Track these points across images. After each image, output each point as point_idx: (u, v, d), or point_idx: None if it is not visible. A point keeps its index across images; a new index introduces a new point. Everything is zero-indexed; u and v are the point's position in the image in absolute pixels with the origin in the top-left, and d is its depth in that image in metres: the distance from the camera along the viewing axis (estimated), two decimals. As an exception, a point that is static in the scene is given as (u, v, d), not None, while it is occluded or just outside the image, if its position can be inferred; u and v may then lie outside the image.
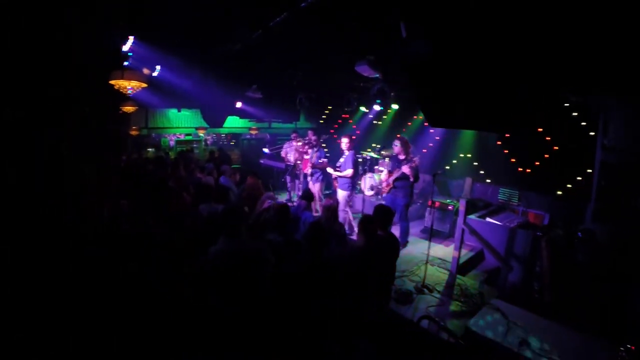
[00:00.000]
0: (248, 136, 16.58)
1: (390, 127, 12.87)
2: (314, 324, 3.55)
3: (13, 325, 3.13)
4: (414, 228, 8.73)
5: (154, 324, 3.28)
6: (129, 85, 7.60)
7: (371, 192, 10.56)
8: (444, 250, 7.97)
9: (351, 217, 8.47)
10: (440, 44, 5.11)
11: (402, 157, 7.61)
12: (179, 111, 14.23)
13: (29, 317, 3.25)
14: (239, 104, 12.07)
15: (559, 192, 8.27)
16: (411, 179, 7.40)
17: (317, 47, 7.32)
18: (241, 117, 14.63)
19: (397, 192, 7.72)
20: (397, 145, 7.69)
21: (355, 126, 14.04)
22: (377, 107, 10.87)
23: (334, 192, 9.09)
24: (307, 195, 6.33)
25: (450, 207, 8.90)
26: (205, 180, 7.82)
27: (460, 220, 6.65)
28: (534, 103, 7.37)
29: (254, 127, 16.25)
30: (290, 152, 11.07)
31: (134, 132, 13.47)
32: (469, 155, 10.55)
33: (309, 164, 9.75)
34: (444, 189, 10.85)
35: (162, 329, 3.24)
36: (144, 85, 7.93)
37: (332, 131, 14.38)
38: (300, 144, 10.44)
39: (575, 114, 7.87)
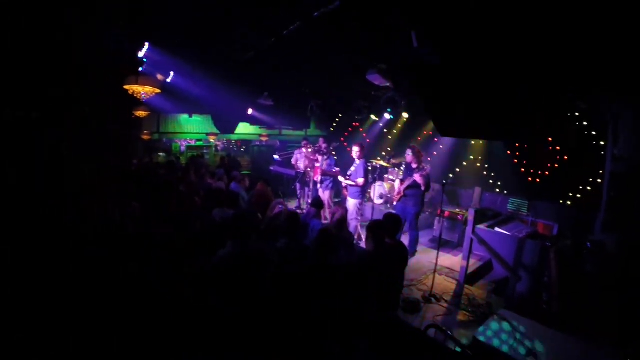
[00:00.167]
0: (258, 143, 16.64)
1: (400, 136, 12.87)
2: (314, 324, 3.55)
3: (13, 325, 3.12)
4: (423, 237, 8.73)
5: (154, 324, 3.26)
6: (142, 91, 7.69)
7: (381, 201, 10.59)
8: (452, 260, 7.96)
9: (360, 226, 8.48)
10: (451, 53, 5.15)
11: (414, 165, 7.63)
12: (191, 117, 14.30)
13: (29, 317, 3.23)
14: (250, 111, 12.14)
15: (569, 202, 8.23)
16: (422, 188, 7.42)
17: (328, 56, 7.38)
18: (252, 123, 14.69)
19: (407, 201, 7.73)
20: (409, 154, 7.71)
21: (365, 134, 14.05)
22: (387, 116, 10.87)
23: (344, 200, 9.08)
24: (317, 203, 6.33)
25: (459, 217, 8.90)
26: (216, 185, 7.90)
27: (469, 229, 6.65)
28: (543, 112, 7.40)
29: (264, 134, 16.31)
30: (300, 159, 11.12)
31: (145, 137, 13.58)
32: (479, 159, 10.51)
33: (319, 172, 9.77)
34: (454, 198, 10.82)
35: (162, 329, 3.22)
36: (158, 91, 8.03)
37: (342, 139, 14.40)
38: (310, 151, 10.48)
39: (585, 123, 7.86)
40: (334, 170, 9.29)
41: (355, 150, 8.35)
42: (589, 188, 7.88)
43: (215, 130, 14.38)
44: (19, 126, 4.67)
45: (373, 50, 6.75)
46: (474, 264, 7.29)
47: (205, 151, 15.02)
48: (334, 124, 15.36)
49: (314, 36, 6.19)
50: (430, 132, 11.65)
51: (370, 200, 10.39)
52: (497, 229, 7.26)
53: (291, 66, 8.26)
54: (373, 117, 12.06)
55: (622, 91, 5.72)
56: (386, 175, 11.34)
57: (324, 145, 10.13)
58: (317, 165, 9.91)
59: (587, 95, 6.70)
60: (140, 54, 7.25)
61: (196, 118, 14.47)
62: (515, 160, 9.39)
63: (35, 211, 4.66)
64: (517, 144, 9.31)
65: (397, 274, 4.84)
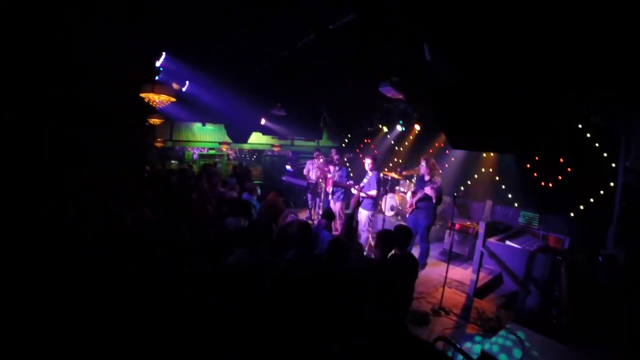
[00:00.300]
0: (270, 153, 16.72)
1: (412, 148, 12.86)
2: (314, 324, 3.56)
3: (13, 325, 3.10)
4: (433, 250, 8.69)
5: (154, 324, 3.25)
6: (158, 99, 7.79)
7: (391, 213, 10.58)
8: (462, 273, 7.93)
9: (371, 238, 8.48)
10: (463, 66, 5.18)
11: (426, 177, 7.66)
12: (204, 125, 14.38)
13: (29, 317, 3.21)
14: (263, 121, 12.22)
15: (579, 216, 8.17)
16: (434, 201, 7.44)
17: (341, 68, 7.45)
18: (264, 133, 14.76)
19: (419, 213, 7.74)
20: (423, 166, 7.74)
21: (373, 146, 14.06)
22: (399, 128, 10.90)
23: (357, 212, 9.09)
24: (328, 214, 6.34)
25: (470, 230, 8.88)
26: (229, 195, 7.97)
27: (479, 242, 6.65)
28: (555, 125, 7.38)
29: (276, 144, 16.36)
30: (312, 170, 11.16)
31: (158, 144, 13.69)
32: (490, 172, 10.46)
33: (331, 183, 9.80)
34: (464, 211, 10.79)
35: (162, 329, 3.20)
36: (173, 99, 8.13)
37: (357, 150, 14.43)
38: (322, 161, 10.52)
39: (597, 135, 7.82)
40: (347, 182, 9.31)
41: (368, 162, 8.39)
42: (595, 199, 7.83)
43: (227, 140, 14.42)
44: (19, 126, 4.73)
45: (386, 63, 6.82)
46: (483, 277, 7.27)
47: (217, 160, 15.09)
48: (347, 140, 15.39)
49: (327, 48, 6.26)
50: (442, 144, 11.63)
51: (381, 212, 10.39)
52: (507, 242, 7.25)
53: (304, 77, 8.34)
54: (385, 129, 12.09)
55: (636, 103, 5.73)
56: (397, 187, 11.34)
57: (336, 157, 10.17)
58: (329, 176, 9.95)
59: (602, 109, 6.69)
60: (157, 63, 7.37)
61: (209, 127, 14.55)
62: (527, 172, 9.34)
63: (35, 211, 4.71)
64: (528, 157, 9.26)
65: (406, 285, 4.85)
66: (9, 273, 3.73)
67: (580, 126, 7.80)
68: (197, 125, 14.38)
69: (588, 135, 7.82)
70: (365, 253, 6.68)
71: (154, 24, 5.97)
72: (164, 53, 7.21)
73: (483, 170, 10.62)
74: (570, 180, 8.36)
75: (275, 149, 16.53)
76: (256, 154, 17.64)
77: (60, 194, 5.15)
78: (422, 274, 7.44)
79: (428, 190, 7.34)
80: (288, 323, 3.48)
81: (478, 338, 5.33)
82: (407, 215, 8.11)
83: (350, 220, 6.29)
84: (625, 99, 5.79)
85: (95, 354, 3.01)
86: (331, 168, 9.89)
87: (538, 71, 4.99)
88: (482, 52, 4.74)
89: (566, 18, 4.02)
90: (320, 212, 8.81)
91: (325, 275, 4.03)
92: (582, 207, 8.11)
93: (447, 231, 9.20)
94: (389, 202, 10.72)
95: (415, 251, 7.46)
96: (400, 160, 13.08)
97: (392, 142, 13.51)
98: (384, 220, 9.08)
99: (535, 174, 9.02)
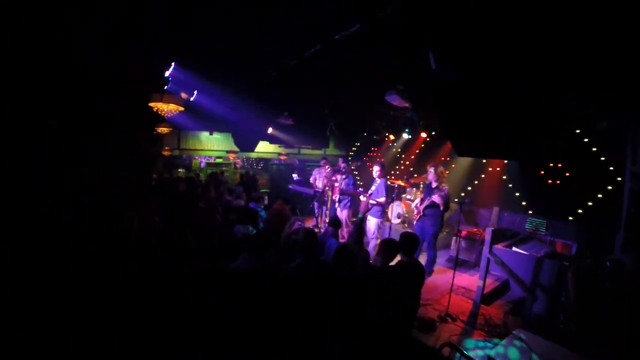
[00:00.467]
0: (277, 161, 16.79)
1: (418, 156, 12.90)
2: (314, 324, 3.60)
3: (13, 325, 3.11)
4: (440, 257, 8.67)
5: (154, 324, 3.27)
6: (166, 108, 7.89)
7: (398, 221, 10.59)
8: (469, 280, 7.91)
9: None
10: (469, 74, 5.21)
11: (434, 185, 7.69)
12: (211, 134, 14.50)
13: (29, 317, 3.21)
14: (270, 130, 12.29)
15: (586, 222, 8.14)
16: (441, 208, 7.46)
17: (348, 76, 7.52)
18: (271, 142, 14.83)
19: (426, 220, 7.74)
20: (431, 172, 7.77)
21: (380, 154, 14.10)
22: (405, 136, 10.94)
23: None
24: (335, 222, 6.39)
25: (477, 236, 8.87)
26: (235, 203, 8.04)
27: (485, 249, 6.66)
28: (561, 131, 7.40)
29: (283, 153, 16.43)
30: (319, 178, 11.21)
31: (166, 152, 13.81)
32: (497, 178, 10.46)
33: (338, 191, 9.83)
34: (471, 218, 10.78)
35: (162, 329, 3.22)
36: (181, 108, 8.22)
37: (365, 159, 14.48)
38: (329, 170, 10.57)
39: (605, 140, 7.81)
40: (354, 190, 9.35)
41: (376, 170, 8.45)
42: (601, 205, 7.82)
43: (235, 148, 14.50)
44: (19, 126, 4.78)
45: (392, 71, 6.88)
46: (490, 283, 7.25)
47: (224, 168, 15.17)
48: (354, 149, 15.45)
49: (334, 57, 6.33)
50: (448, 158, 11.70)
51: (388, 220, 10.41)
52: (514, 249, 7.25)
53: (311, 86, 8.41)
54: (391, 137, 12.14)
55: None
56: (404, 195, 11.36)
57: (342, 165, 10.22)
58: (336, 185, 9.99)
59: (609, 115, 6.71)
60: (166, 73, 7.46)
61: (216, 135, 14.65)
62: (533, 178, 9.33)
63: (35, 211, 4.75)
64: (532, 162, 9.26)
65: (410, 290, 4.87)
66: (9, 273, 3.75)
67: (578, 131, 7.83)
68: (205, 134, 14.50)
69: (587, 139, 7.84)
70: (371, 261, 6.71)
71: (161, 33, 6.03)
72: (173, 63, 7.30)
73: (490, 176, 10.63)
74: (576, 185, 8.35)
75: (282, 157, 16.62)
76: (263, 162, 17.70)
77: (60, 194, 5.19)
78: (429, 280, 7.45)
79: (435, 198, 7.37)
80: (288, 323, 3.52)
81: (484, 344, 5.35)
82: (415, 223, 8.12)
83: (360, 226, 6.32)
84: (632, 103, 5.81)
85: (95, 354, 3.03)
86: (338, 176, 9.93)
87: (538, 71, 5.01)
88: (482, 52, 4.77)
89: (566, 18, 4.05)
90: (327, 220, 8.85)
91: (326, 278, 4.08)
92: (588, 213, 8.10)
93: (454, 238, 9.18)
94: (395, 209, 10.73)
95: (423, 258, 7.48)
96: (410, 168, 13.10)
97: (399, 150, 13.57)
98: (390, 228, 9.09)
99: (541, 180, 9.02)
